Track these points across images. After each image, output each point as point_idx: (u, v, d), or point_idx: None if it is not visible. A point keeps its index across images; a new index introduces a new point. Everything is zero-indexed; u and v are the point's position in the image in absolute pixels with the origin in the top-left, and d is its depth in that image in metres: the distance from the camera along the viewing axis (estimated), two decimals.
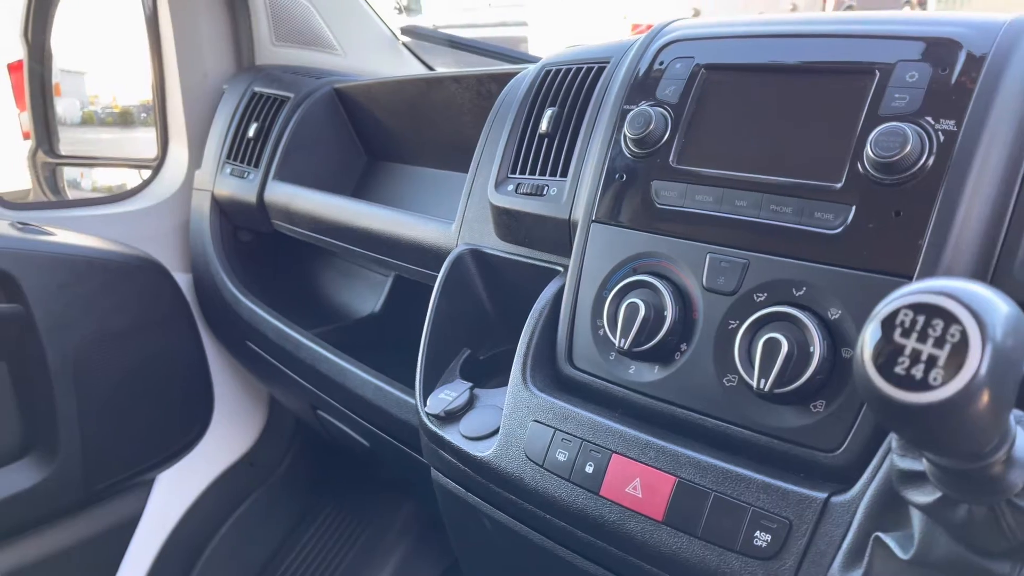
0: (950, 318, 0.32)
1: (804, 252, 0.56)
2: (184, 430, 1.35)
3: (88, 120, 1.76)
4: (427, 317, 0.77)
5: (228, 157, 1.20)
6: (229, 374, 1.39)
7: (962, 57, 0.53)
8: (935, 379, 0.32)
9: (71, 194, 1.59)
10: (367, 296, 1.21)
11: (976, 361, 0.31)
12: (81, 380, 1.16)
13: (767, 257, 0.57)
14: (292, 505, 1.46)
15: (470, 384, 0.73)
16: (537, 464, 0.63)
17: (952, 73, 0.53)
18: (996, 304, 0.33)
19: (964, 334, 0.32)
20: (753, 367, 0.54)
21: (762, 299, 0.57)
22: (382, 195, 1.16)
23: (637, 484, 0.57)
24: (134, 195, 1.32)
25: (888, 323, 0.34)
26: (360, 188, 1.20)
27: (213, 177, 1.23)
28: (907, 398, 0.33)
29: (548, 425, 0.63)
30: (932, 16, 0.57)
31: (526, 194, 0.75)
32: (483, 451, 0.67)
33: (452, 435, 0.70)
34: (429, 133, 1.09)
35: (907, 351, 0.33)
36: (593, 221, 0.67)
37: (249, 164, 1.17)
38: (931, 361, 0.32)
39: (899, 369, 0.33)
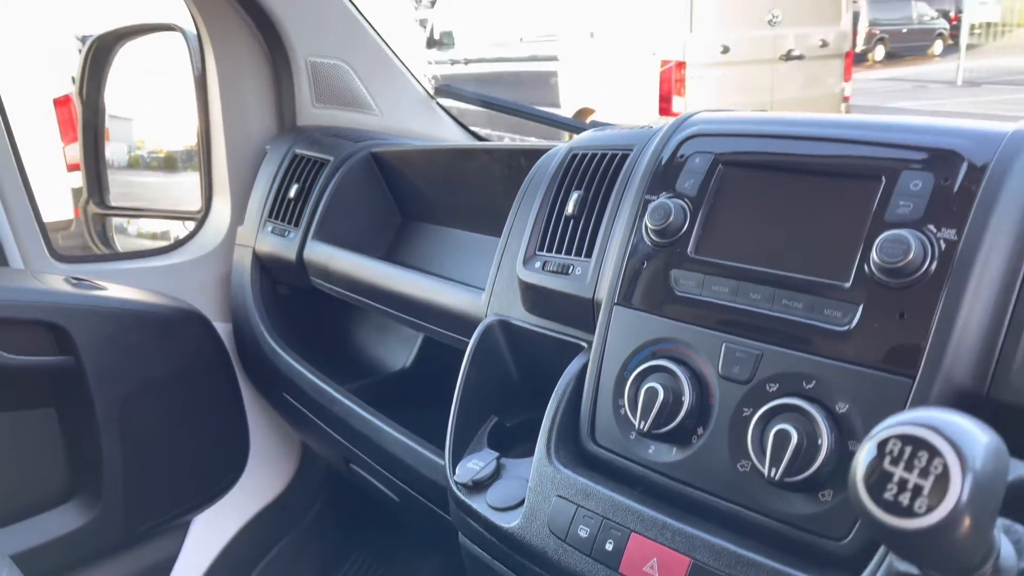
0: (934, 451, 0.36)
1: (814, 347, 0.59)
2: (220, 474, 1.39)
3: (135, 164, 1.83)
4: (457, 385, 0.82)
5: (270, 216, 1.26)
6: (264, 420, 1.44)
7: (964, 168, 0.56)
8: (920, 507, 0.35)
9: (118, 239, 1.65)
10: (399, 351, 1.25)
11: (957, 492, 0.35)
12: (126, 427, 1.21)
13: (779, 350, 0.60)
14: (321, 550, 1.50)
15: (497, 454, 0.77)
16: (560, 538, 0.66)
17: (954, 183, 0.56)
18: (976, 436, 0.36)
19: (946, 467, 0.35)
20: (765, 455, 0.58)
21: (774, 390, 0.60)
22: (416, 254, 1.21)
23: (654, 564, 0.60)
24: (179, 247, 1.39)
25: (880, 449, 0.37)
26: (395, 247, 1.25)
27: (255, 234, 1.28)
28: (894, 523, 0.36)
29: (571, 501, 0.67)
30: (937, 124, 0.61)
31: (552, 272, 0.79)
32: (509, 522, 0.70)
33: (480, 504, 0.73)
34: (461, 198, 1.13)
35: (895, 478, 0.36)
36: (616, 303, 0.71)
37: (289, 223, 1.23)
38: (916, 490, 0.36)
39: (888, 495, 0.36)
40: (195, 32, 1.35)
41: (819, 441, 0.56)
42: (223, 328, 1.35)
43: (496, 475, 0.75)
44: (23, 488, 1.16)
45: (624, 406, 0.67)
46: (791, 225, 0.63)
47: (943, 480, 0.35)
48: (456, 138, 1.54)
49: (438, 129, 1.50)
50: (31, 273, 1.19)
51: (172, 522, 1.35)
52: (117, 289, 1.23)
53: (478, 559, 0.75)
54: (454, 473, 0.77)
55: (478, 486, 0.75)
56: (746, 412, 0.61)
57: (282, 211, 1.25)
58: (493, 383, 0.84)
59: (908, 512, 0.36)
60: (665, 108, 6.53)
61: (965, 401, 0.53)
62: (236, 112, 1.36)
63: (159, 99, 1.73)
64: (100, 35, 1.47)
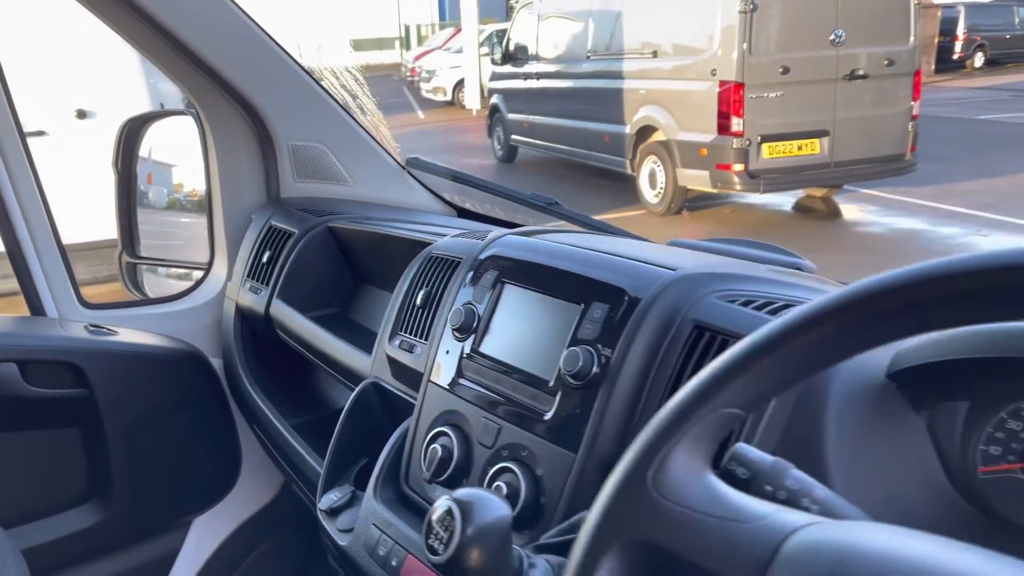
0: (452, 513, 0.58)
1: (530, 426, 0.81)
2: (215, 483, 1.68)
3: (172, 205, 2.13)
4: (336, 431, 1.06)
5: (249, 275, 1.54)
6: (253, 439, 1.72)
7: (625, 302, 0.78)
8: (442, 550, 0.58)
9: (151, 277, 1.97)
10: (345, 393, 1.51)
11: (458, 539, 0.57)
12: (132, 445, 1.51)
13: (512, 427, 0.83)
14: (301, 550, 1.77)
15: (353, 488, 1.01)
16: (368, 555, 0.90)
17: (617, 313, 0.78)
18: (484, 504, 0.58)
19: (453, 523, 0.58)
20: None
21: (505, 455, 0.82)
22: (363, 312, 1.46)
23: (414, 571, 0.84)
24: (185, 296, 1.69)
25: (436, 514, 0.60)
26: (348, 304, 1.51)
27: (238, 289, 1.57)
28: (431, 558, 0.59)
29: (379, 528, 0.91)
30: (623, 263, 0.82)
31: (403, 349, 1.03)
32: (343, 541, 0.95)
33: (330, 525, 0.98)
34: (390, 268, 1.38)
35: (434, 531, 0.59)
36: (429, 380, 0.95)
37: (262, 283, 1.50)
38: (444, 539, 0.58)
39: (431, 541, 0.59)
40: None
41: (520, 494, 0.78)
42: (216, 363, 1.64)
43: (350, 504, 1.00)
44: (47, 492, 1.47)
45: (424, 459, 0.91)
46: (535, 333, 0.86)
47: (452, 531, 0.58)
48: (428, 205, 1.77)
49: (410, 196, 1.74)
50: (59, 322, 1.50)
51: (174, 522, 1.65)
52: (128, 333, 1.54)
53: (332, 567, 1.00)
54: (319, 501, 1.02)
55: (333, 512, 0.99)
56: (488, 469, 0.83)
57: (257, 272, 1.52)
58: (365, 430, 1.08)
59: (435, 552, 0.58)
60: (724, 127, 6.64)
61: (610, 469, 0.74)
62: (231, 184, 1.65)
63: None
64: (131, 118, 1.79)
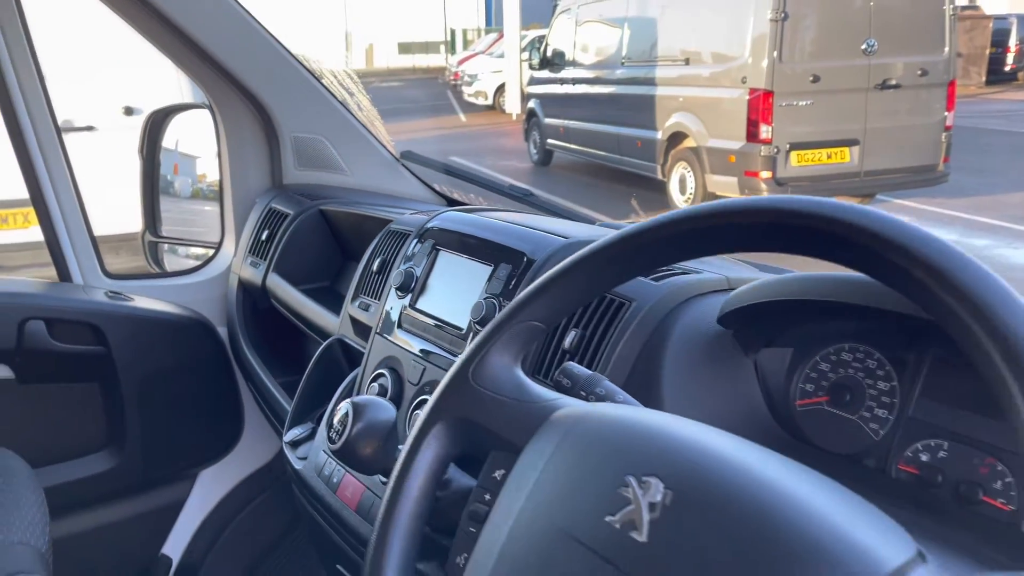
0: (347, 413, 0.74)
1: (446, 366, 0.97)
2: (219, 439, 1.86)
3: (196, 194, 2.33)
4: (302, 380, 1.23)
5: (250, 252, 1.73)
6: (255, 403, 1.90)
7: (524, 262, 0.93)
8: (337, 439, 0.74)
9: (171, 257, 2.17)
10: None
11: (347, 431, 0.73)
12: (144, 400, 1.70)
13: (434, 367, 0.99)
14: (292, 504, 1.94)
15: (314, 426, 1.18)
16: (317, 475, 1.07)
17: (517, 272, 0.93)
18: (370, 404, 0.74)
19: (345, 415, 0.74)
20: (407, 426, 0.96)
21: (427, 390, 0.98)
22: (348, 285, 1.63)
23: (349, 491, 1.00)
24: (197, 270, 1.88)
25: (339, 413, 0.76)
26: (337, 279, 1.68)
27: (241, 264, 1.75)
28: (330, 448, 0.75)
29: (326, 454, 1.07)
30: (525, 232, 0.97)
31: (361, 308, 1.20)
32: (299, 465, 1.11)
33: (291, 454, 1.15)
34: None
35: (335, 425, 0.75)
36: (376, 332, 1.11)
37: (261, 258, 1.68)
38: (339, 431, 0.74)
39: (331, 434, 0.75)
40: None
41: None
42: (222, 331, 1.82)
43: (310, 438, 1.16)
44: (68, 438, 1.67)
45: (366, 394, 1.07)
46: (458, 290, 1.01)
47: (345, 427, 0.74)
48: (420, 194, 1.93)
49: (403, 186, 1.91)
50: (83, 287, 1.70)
51: (181, 473, 1.84)
52: (144, 300, 1.73)
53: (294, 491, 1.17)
54: (285, 435, 1.19)
55: (295, 444, 1.16)
56: (413, 401, 0.99)
57: (257, 249, 1.71)
58: (330, 379, 1.25)
59: (333, 442, 0.74)
60: (752, 134, 6.71)
61: None
62: (240, 171, 1.83)
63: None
64: (155, 110, 1.99)
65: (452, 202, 1.87)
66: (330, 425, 0.75)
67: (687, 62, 7.46)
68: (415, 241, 1.12)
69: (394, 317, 1.08)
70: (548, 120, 9.89)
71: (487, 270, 0.96)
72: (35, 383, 1.62)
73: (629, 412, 0.56)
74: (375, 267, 1.20)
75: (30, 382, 1.62)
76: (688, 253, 0.58)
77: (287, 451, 1.15)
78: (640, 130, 8.12)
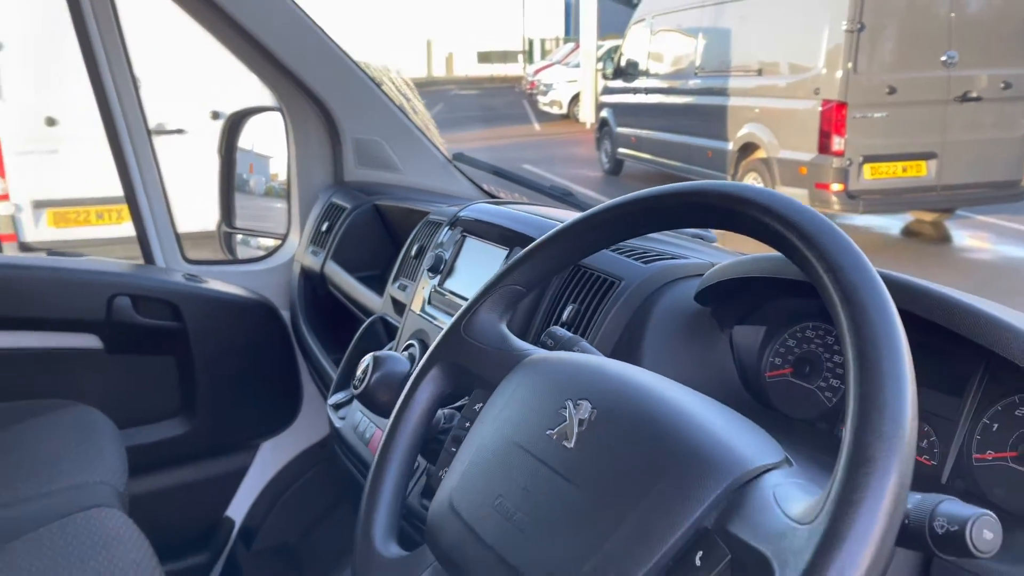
0: (369, 364, 0.88)
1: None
2: (280, 415, 2.04)
3: (268, 192, 2.53)
4: (346, 353, 1.38)
5: (311, 242, 1.90)
6: (313, 380, 2.07)
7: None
8: (359, 385, 0.88)
9: (243, 248, 2.37)
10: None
11: (367, 378, 0.87)
12: (213, 373, 1.89)
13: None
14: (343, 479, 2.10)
15: (353, 391, 1.33)
16: (353, 431, 1.21)
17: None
18: (389, 358, 0.88)
19: (367, 367, 0.87)
20: None
21: None
22: None
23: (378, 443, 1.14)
24: (265, 259, 2.06)
25: (365, 363, 0.90)
26: (387, 267, 1.83)
27: (303, 253, 1.93)
28: (352, 392, 0.88)
29: (362, 413, 1.22)
30: (537, 220, 1.09)
31: (400, 289, 1.34)
32: (339, 424, 1.26)
33: (333, 415, 1.30)
34: None
35: (357, 375, 0.89)
36: (410, 309, 1.25)
37: (320, 247, 1.85)
38: (361, 379, 0.88)
39: (354, 382, 0.89)
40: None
41: None
42: (285, 314, 2.00)
43: (349, 402, 1.31)
44: (147, 403, 1.86)
45: None
46: (479, 271, 1.14)
47: (367, 375, 0.87)
48: (469, 193, 2.07)
49: (453, 186, 2.05)
50: (164, 269, 1.90)
51: (245, 443, 2.02)
52: (217, 283, 1.92)
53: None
54: (329, 398, 1.34)
55: (337, 407, 1.31)
56: None
57: (318, 239, 1.87)
58: (369, 351, 1.39)
59: (356, 387, 0.88)
60: (824, 146, 6.66)
61: None
62: (305, 169, 2.01)
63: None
64: (233, 112, 2.19)
65: (499, 202, 2.01)
66: (354, 375, 0.89)
67: (760, 72, 7.44)
68: (446, 229, 1.26)
69: (425, 295, 1.21)
70: (620, 129, 9.97)
71: (503, 253, 1.09)
72: (120, 353, 1.82)
73: (580, 356, 0.68)
74: (413, 252, 1.34)
75: (116, 352, 1.82)
76: (637, 230, 0.70)
77: (330, 412, 1.30)
78: (711, 140, 8.13)
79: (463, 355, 0.75)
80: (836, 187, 6.64)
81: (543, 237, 0.73)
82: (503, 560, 0.58)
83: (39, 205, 5.42)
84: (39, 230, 5.46)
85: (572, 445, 0.59)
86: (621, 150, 9.96)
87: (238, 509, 2.04)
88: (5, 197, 5.36)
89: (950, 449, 0.74)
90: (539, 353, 0.72)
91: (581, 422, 0.60)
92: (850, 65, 6.48)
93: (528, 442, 0.62)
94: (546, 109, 16.86)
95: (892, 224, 7.62)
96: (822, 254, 0.52)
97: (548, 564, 0.55)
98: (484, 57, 30.05)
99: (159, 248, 1.91)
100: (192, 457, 1.93)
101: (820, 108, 6.71)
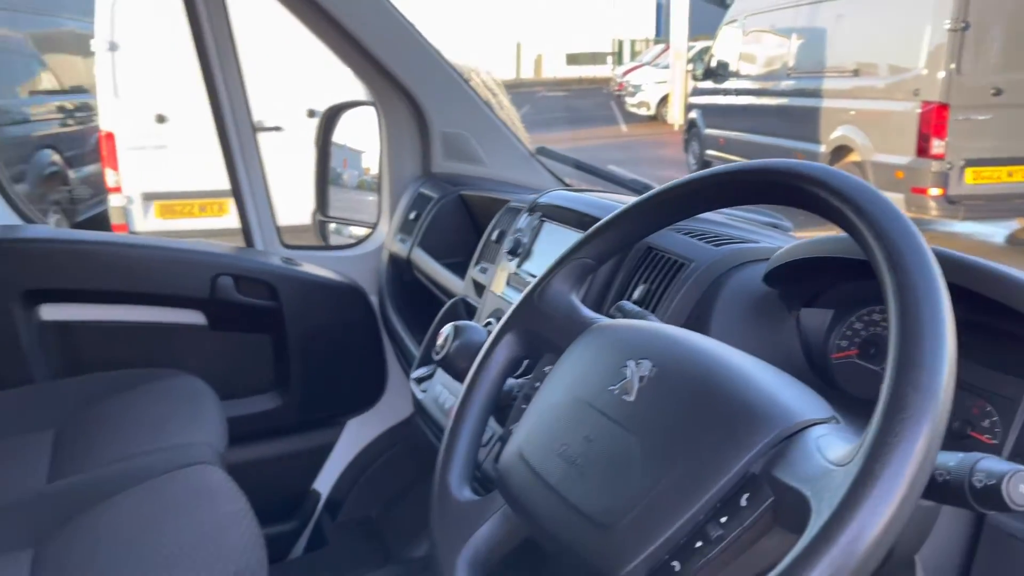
0: (449, 333, 0.95)
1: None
2: (366, 394, 2.14)
3: (361, 186, 2.64)
4: (428, 332, 1.46)
5: (399, 230, 1.99)
6: (398, 364, 2.16)
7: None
8: (440, 351, 0.94)
9: (332, 234, 2.49)
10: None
11: (447, 347, 0.93)
12: (306, 352, 2.00)
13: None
14: (420, 461, 2.18)
15: (434, 367, 1.40)
16: (433, 403, 1.28)
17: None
18: (468, 327, 0.94)
19: (447, 336, 0.94)
20: None
21: None
22: None
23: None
24: (356, 246, 2.17)
25: (444, 333, 0.97)
26: (471, 254, 1.91)
27: (392, 240, 2.02)
28: (433, 357, 0.95)
29: (443, 386, 1.29)
30: (613, 205, 1.14)
31: (481, 271, 1.41)
32: (421, 396, 1.34)
33: (416, 389, 1.37)
34: None
35: (438, 343, 0.95)
36: (488, 290, 1.32)
37: (408, 235, 1.94)
38: (442, 347, 0.95)
39: (434, 352, 0.96)
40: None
41: None
42: (374, 299, 2.10)
43: (431, 376, 1.39)
44: (245, 377, 1.99)
45: None
46: (556, 252, 1.19)
47: (446, 343, 0.94)
48: (549, 186, 2.13)
49: (535, 179, 2.10)
50: (264, 253, 2.02)
51: (332, 420, 2.13)
52: (311, 267, 2.04)
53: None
54: (412, 372, 1.42)
55: (419, 380, 1.39)
56: None
57: (405, 227, 1.96)
58: None
59: (437, 353, 0.95)
60: (923, 148, 6.44)
61: None
62: (396, 161, 2.11)
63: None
64: (330, 106, 2.31)
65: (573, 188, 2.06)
66: (434, 342, 0.96)
67: (856, 73, 7.24)
68: (525, 215, 1.32)
69: (504, 277, 1.28)
70: (708, 131, 9.85)
71: (577, 236, 1.14)
72: (221, 330, 1.96)
73: (642, 322, 0.73)
74: (494, 237, 1.41)
75: (218, 328, 1.95)
76: (700, 207, 0.74)
77: (412, 385, 1.38)
78: (802, 143, 7.94)
79: (535, 322, 0.81)
80: (935, 192, 6.40)
81: (613, 213, 0.78)
82: (564, 499, 0.63)
83: (148, 197, 5.77)
84: (147, 221, 5.81)
85: (632, 399, 0.64)
86: (709, 152, 9.84)
87: (324, 482, 2.16)
88: (118, 189, 5.72)
89: (1011, 428, 0.76)
90: (606, 321, 0.77)
91: (641, 379, 0.65)
92: (953, 66, 6.24)
93: (591, 397, 0.67)
94: (634, 110, 16.77)
95: (996, 232, 7.30)
96: (872, 223, 0.56)
97: (605, 501, 0.60)
98: (573, 59, 30.06)
99: (259, 233, 2.04)
100: (283, 431, 2.05)
101: (919, 110, 6.48)
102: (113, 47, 5.47)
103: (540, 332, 0.80)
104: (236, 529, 1.16)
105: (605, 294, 1.08)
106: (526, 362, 1.04)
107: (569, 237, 1.19)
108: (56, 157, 6.51)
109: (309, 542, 2.08)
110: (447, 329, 0.96)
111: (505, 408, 0.87)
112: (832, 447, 0.54)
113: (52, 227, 1.98)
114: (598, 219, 1.14)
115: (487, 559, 0.70)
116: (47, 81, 7.16)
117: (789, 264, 0.93)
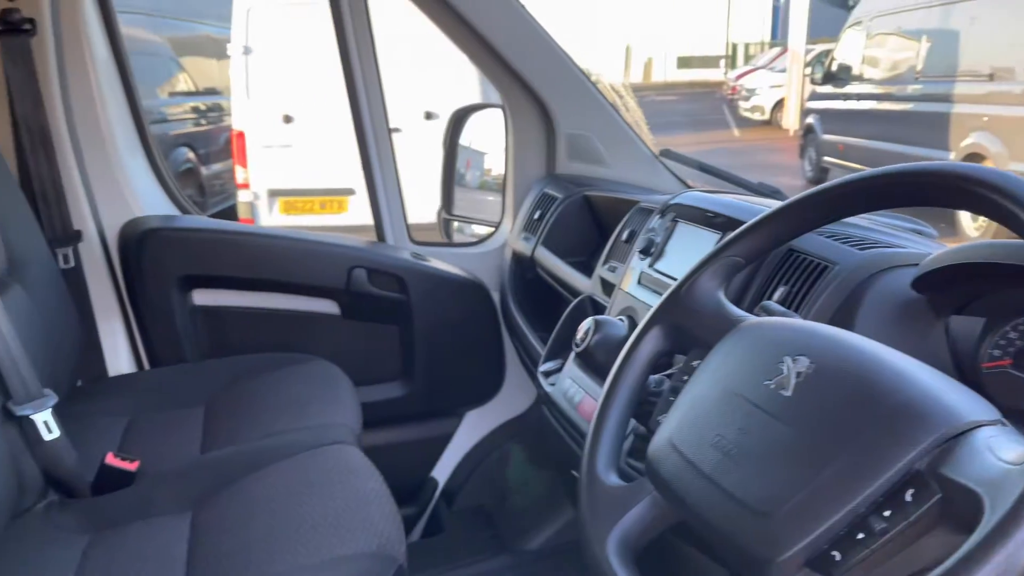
0: (590, 326, 0.98)
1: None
2: (485, 387, 2.21)
3: (482, 186, 2.72)
4: (555, 329, 1.50)
5: (523, 228, 2.04)
6: (516, 361, 2.22)
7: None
8: (579, 344, 0.98)
9: (455, 233, 2.57)
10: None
11: (589, 336, 0.97)
12: (430, 344, 2.08)
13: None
14: (536, 456, 2.23)
15: (562, 361, 1.44)
16: (562, 396, 1.32)
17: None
18: (608, 322, 0.97)
19: (587, 330, 0.97)
20: None
21: None
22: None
23: (587, 407, 1.24)
24: (480, 243, 2.24)
25: (586, 325, 1.00)
26: (593, 255, 1.94)
27: (516, 239, 2.07)
28: (575, 349, 0.99)
29: (572, 380, 1.32)
30: (752, 207, 1.15)
31: (609, 271, 1.44)
32: (549, 389, 1.38)
33: (544, 381, 1.41)
34: None
35: (579, 336, 0.99)
36: (618, 288, 1.34)
37: (532, 234, 1.99)
38: (582, 339, 0.98)
39: (576, 340, 0.99)
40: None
41: None
42: (496, 296, 2.16)
43: (558, 370, 1.42)
44: (376, 365, 2.08)
45: None
46: (690, 254, 1.21)
47: (587, 336, 0.97)
48: (675, 189, 2.13)
49: (659, 181, 2.11)
50: (394, 248, 2.12)
51: (453, 411, 2.20)
52: (437, 263, 2.11)
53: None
54: (540, 367, 1.46)
55: (547, 374, 1.43)
56: None
57: (529, 226, 2.01)
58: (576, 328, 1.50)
59: (577, 346, 0.98)
60: None
61: None
62: (521, 161, 2.16)
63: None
64: (458, 108, 2.39)
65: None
66: (575, 335, 1.00)
67: (991, 78, 6.87)
68: (658, 215, 1.34)
69: (635, 276, 1.30)
70: (826, 137, 9.53)
71: (715, 237, 1.15)
72: (353, 319, 2.06)
73: (796, 320, 0.75)
74: (624, 237, 1.43)
75: (350, 318, 2.06)
76: (860, 207, 0.75)
77: (540, 379, 1.42)
78: (930, 149, 7.59)
79: (682, 317, 0.83)
80: None
81: (767, 211, 0.80)
82: (719, 487, 0.65)
83: (273, 194, 6.06)
84: (271, 216, 6.10)
85: (789, 393, 0.65)
86: (827, 158, 9.52)
87: (442, 471, 2.23)
88: (246, 185, 6.04)
89: None
90: (755, 319, 0.79)
91: (799, 374, 0.66)
92: None
93: (746, 390, 0.69)
94: (747, 115, 16.38)
95: None
96: None
97: (762, 493, 0.62)
98: (684, 62, 29.61)
99: (390, 228, 2.13)
100: (406, 419, 2.14)
101: None
102: (247, 51, 5.77)
103: (686, 327, 0.83)
104: (377, 505, 1.23)
105: (742, 296, 1.09)
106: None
107: (704, 237, 1.20)
108: (191, 155, 6.95)
109: (426, 527, 2.16)
110: (588, 323, 0.99)
111: (643, 404, 0.90)
112: (1004, 448, 0.54)
113: (205, 218, 2.12)
114: (737, 220, 1.16)
115: (636, 542, 0.73)
116: (183, 83, 7.63)
117: (941, 269, 0.91)
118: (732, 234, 0.83)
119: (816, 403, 0.64)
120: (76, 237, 1.88)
